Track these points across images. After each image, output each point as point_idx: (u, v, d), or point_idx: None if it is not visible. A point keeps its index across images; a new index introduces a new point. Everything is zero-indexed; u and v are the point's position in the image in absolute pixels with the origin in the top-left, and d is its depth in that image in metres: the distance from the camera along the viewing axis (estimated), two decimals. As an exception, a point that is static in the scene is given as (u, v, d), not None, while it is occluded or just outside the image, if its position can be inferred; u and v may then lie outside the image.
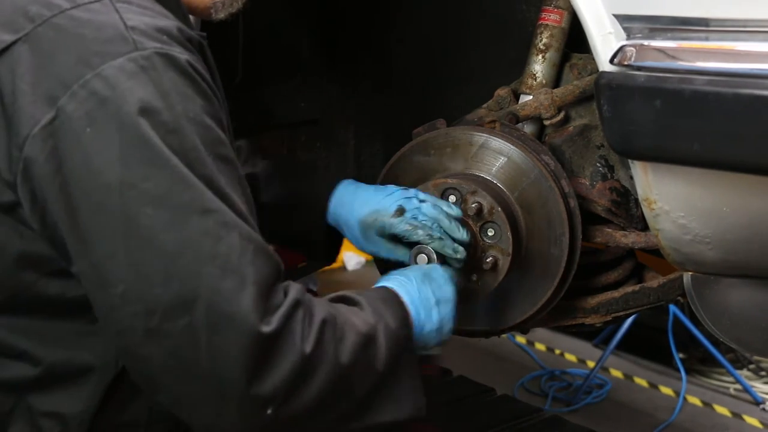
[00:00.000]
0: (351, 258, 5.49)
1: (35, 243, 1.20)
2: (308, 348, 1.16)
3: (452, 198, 1.72)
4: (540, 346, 4.22)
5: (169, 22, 1.22)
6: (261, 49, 2.18)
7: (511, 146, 1.75)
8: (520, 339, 4.18)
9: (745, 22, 1.35)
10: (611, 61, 1.46)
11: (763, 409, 3.67)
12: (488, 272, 1.70)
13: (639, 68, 1.43)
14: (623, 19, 1.46)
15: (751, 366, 3.94)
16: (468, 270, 1.71)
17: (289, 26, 2.20)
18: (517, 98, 1.91)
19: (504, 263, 1.69)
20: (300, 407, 1.16)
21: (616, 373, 3.94)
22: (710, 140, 1.37)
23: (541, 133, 1.90)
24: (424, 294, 1.42)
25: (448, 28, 2.36)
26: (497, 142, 1.75)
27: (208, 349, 1.11)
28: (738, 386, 3.80)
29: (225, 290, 1.12)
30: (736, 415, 3.61)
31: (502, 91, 1.91)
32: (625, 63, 1.44)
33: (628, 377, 3.92)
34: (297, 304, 1.17)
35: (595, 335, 4.15)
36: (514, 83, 1.93)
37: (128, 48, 1.15)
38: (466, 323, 1.85)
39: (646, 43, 1.43)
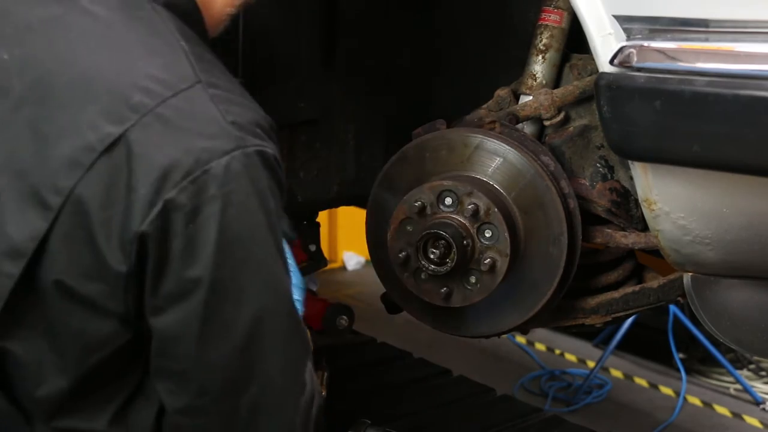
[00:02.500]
0: (351, 258, 5.49)
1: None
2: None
3: (449, 200, 1.71)
4: (540, 346, 4.22)
5: (257, 111, 1.26)
6: (261, 50, 2.17)
7: (507, 147, 1.74)
8: (520, 339, 4.18)
9: (744, 23, 1.35)
10: (611, 62, 1.46)
11: (764, 409, 3.67)
12: (487, 273, 1.70)
13: (639, 69, 1.43)
14: (623, 20, 1.46)
15: (751, 366, 3.94)
16: (466, 272, 1.72)
17: (289, 27, 2.20)
18: (517, 99, 1.91)
19: (502, 264, 1.69)
20: None
21: (616, 373, 3.94)
22: (710, 141, 1.37)
23: (541, 133, 1.90)
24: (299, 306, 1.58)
25: (448, 28, 2.36)
26: (492, 143, 1.75)
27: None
28: (738, 386, 3.80)
29: (285, 391, 1.27)
30: (736, 415, 3.61)
31: (502, 92, 1.91)
32: (625, 64, 1.44)
33: (628, 377, 3.92)
34: (311, 398, 1.31)
35: (595, 335, 4.15)
36: (514, 84, 1.93)
37: (233, 146, 1.17)
38: (466, 325, 1.85)
39: (646, 44, 1.43)
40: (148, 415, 1.28)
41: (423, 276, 1.75)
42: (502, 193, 1.74)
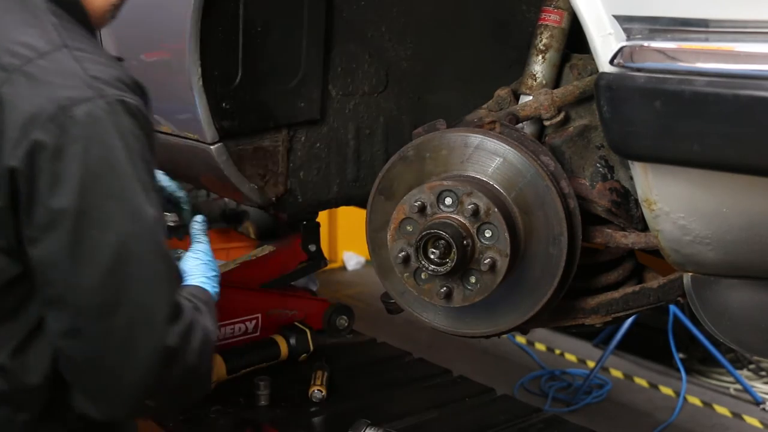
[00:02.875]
0: (351, 258, 5.50)
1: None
2: (193, 361, 1.46)
3: (448, 200, 1.71)
4: (540, 346, 4.22)
5: (119, 69, 1.47)
6: (261, 49, 2.18)
7: (507, 147, 1.74)
8: (520, 339, 4.18)
9: (744, 23, 1.35)
10: (611, 62, 1.46)
11: (763, 409, 3.68)
12: (487, 273, 1.70)
13: (639, 69, 1.42)
14: (623, 20, 1.45)
15: (751, 366, 3.95)
16: (466, 272, 1.72)
17: (289, 26, 2.20)
18: (517, 99, 1.91)
19: (502, 264, 1.69)
20: (173, 401, 1.54)
21: (616, 373, 3.95)
22: (710, 141, 1.37)
23: (541, 133, 1.90)
24: (216, 282, 1.78)
25: (448, 28, 2.36)
26: (492, 143, 1.75)
27: (121, 352, 1.40)
28: (738, 386, 3.80)
29: (148, 305, 1.41)
30: (736, 415, 3.61)
31: (502, 92, 1.91)
32: (625, 64, 1.44)
33: (628, 377, 3.92)
34: (190, 325, 1.46)
35: (595, 335, 4.15)
36: (514, 84, 1.93)
37: (92, 93, 1.37)
38: (467, 325, 1.85)
39: (646, 44, 1.43)
40: (45, 350, 1.44)
41: (423, 276, 1.75)
42: (501, 193, 1.74)
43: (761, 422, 3.56)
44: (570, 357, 4.12)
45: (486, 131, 1.78)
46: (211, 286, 1.73)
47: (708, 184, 1.47)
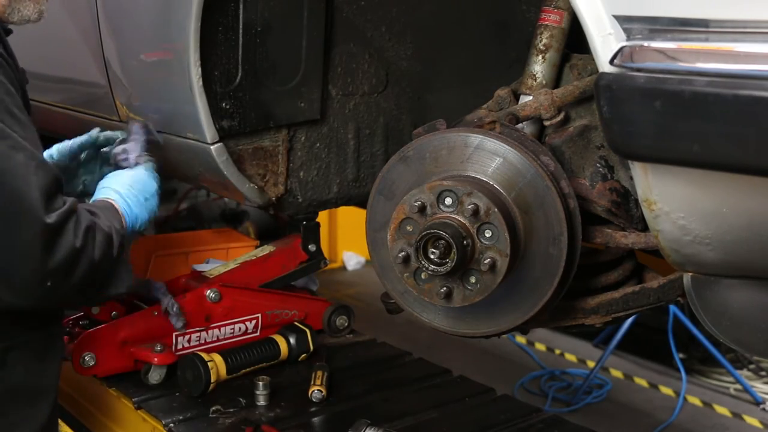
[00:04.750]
0: (351, 258, 5.50)
1: None
2: (78, 243, 1.69)
3: (448, 200, 1.71)
4: (540, 346, 4.22)
5: None
6: (261, 49, 2.18)
7: (507, 147, 1.74)
8: (520, 339, 4.18)
9: (744, 23, 1.34)
10: (611, 62, 1.45)
11: (763, 409, 3.68)
12: (487, 273, 1.70)
13: (639, 69, 1.42)
14: (623, 20, 1.45)
15: (751, 366, 3.95)
16: (466, 272, 1.71)
17: (289, 26, 2.20)
18: (517, 99, 1.90)
19: (502, 264, 1.69)
20: (67, 284, 1.70)
21: (616, 373, 3.95)
22: (710, 141, 1.37)
23: (541, 133, 1.90)
24: (133, 199, 1.99)
25: (448, 28, 2.36)
26: (492, 143, 1.75)
27: (2, 235, 1.62)
28: (738, 386, 3.80)
29: (16, 191, 1.61)
30: (736, 415, 3.61)
31: (502, 92, 1.91)
32: (625, 64, 1.44)
33: (628, 377, 3.92)
34: (71, 211, 1.69)
35: (595, 335, 4.16)
36: (514, 84, 1.93)
37: None
38: (467, 325, 1.85)
39: (646, 44, 1.42)
40: None
41: (423, 276, 1.75)
42: (501, 193, 1.74)
43: (761, 422, 3.56)
44: (570, 357, 4.12)
45: (486, 131, 1.78)
46: (115, 194, 1.93)
47: (708, 185, 1.47)
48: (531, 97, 1.86)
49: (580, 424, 2.56)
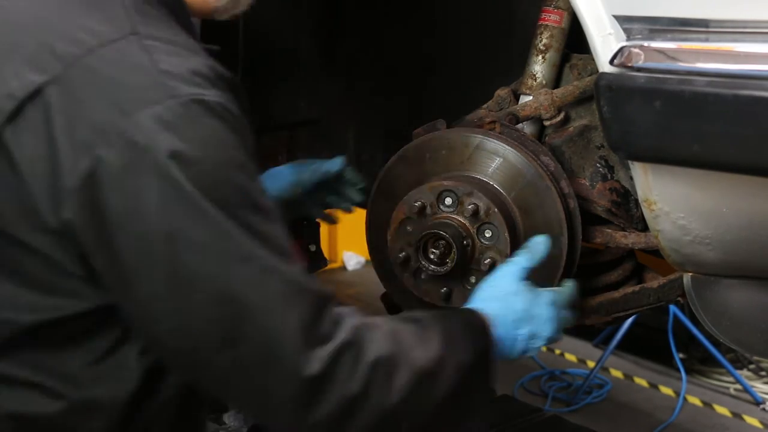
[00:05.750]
0: (351, 258, 5.49)
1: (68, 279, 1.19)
2: (354, 389, 1.18)
3: (449, 200, 1.71)
4: (540, 346, 4.22)
5: (200, 60, 1.19)
6: (261, 49, 2.18)
7: (507, 147, 1.74)
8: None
9: (744, 23, 1.35)
10: (611, 62, 1.46)
11: (764, 409, 3.67)
12: (486, 273, 1.70)
13: (639, 69, 1.42)
14: (623, 20, 1.45)
15: (751, 366, 3.94)
16: (466, 272, 1.71)
17: (289, 26, 2.20)
18: (517, 99, 1.90)
19: (502, 264, 1.69)
20: None
21: (616, 373, 3.94)
22: (710, 141, 1.37)
23: (541, 133, 1.90)
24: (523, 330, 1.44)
25: (448, 28, 2.36)
26: (492, 143, 1.75)
27: (255, 385, 1.17)
28: (738, 386, 3.80)
29: (268, 334, 1.15)
30: (736, 415, 3.61)
31: (502, 92, 1.91)
32: (625, 64, 1.44)
33: (628, 377, 3.92)
34: (346, 345, 1.19)
35: (595, 335, 4.15)
36: (514, 84, 1.93)
37: (163, 95, 1.12)
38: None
39: (646, 44, 1.43)
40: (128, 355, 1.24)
41: (423, 276, 1.75)
42: (501, 193, 1.74)
43: (761, 422, 3.56)
44: (570, 357, 4.12)
45: (486, 131, 1.78)
46: (490, 308, 1.40)
47: (708, 185, 1.47)
48: (531, 97, 1.86)
49: (580, 424, 2.57)
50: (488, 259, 1.69)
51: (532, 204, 1.73)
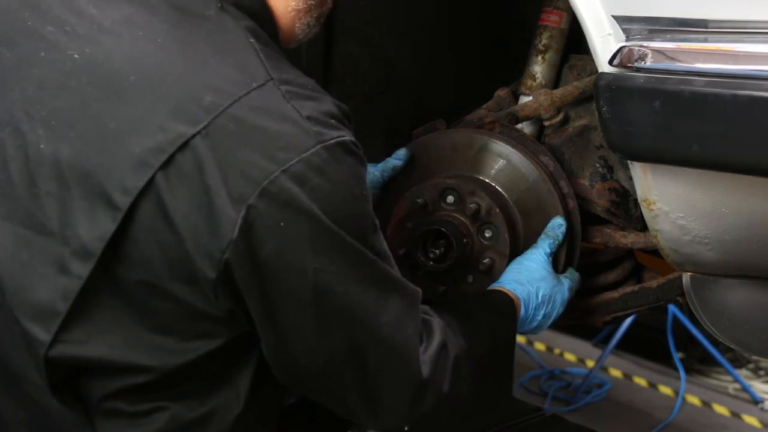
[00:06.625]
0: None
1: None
2: (446, 387, 1.34)
3: (450, 198, 1.71)
4: (539, 346, 4.22)
5: (328, 100, 1.24)
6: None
7: (511, 149, 1.75)
8: (520, 339, 4.18)
9: (744, 24, 1.35)
10: (610, 62, 1.46)
11: (762, 408, 3.68)
12: (484, 273, 1.70)
13: (638, 69, 1.43)
14: (622, 21, 1.46)
15: (750, 365, 3.95)
16: (464, 271, 1.72)
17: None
18: (517, 99, 1.91)
19: (500, 265, 1.69)
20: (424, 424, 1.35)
21: (616, 373, 3.95)
22: (709, 141, 1.37)
23: (540, 133, 1.90)
24: (542, 310, 1.63)
25: (448, 28, 2.36)
26: (497, 145, 1.76)
27: (375, 391, 1.29)
28: (737, 386, 3.81)
29: (398, 345, 1.28)
30: (735, 415, 3.61)
31: (501, 92, 1.91)
32: (625, 64, 1.44)
33: (628, 377, 3.93)
34: (440, 346, 1.34)
35: (595, 335, 4.15)
36: (513, 84, 1.93)
37: (312, 142, 1.15)
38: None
39: (645, 44, 1.43)
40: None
41: (420, 273, 1.74)
42: (503, 194, 1.75)
43: (760, 421, 3.56)
44: (569, 356, 4.12)
45: (491, 132, 1.78)
46: (519, 288, 1.58)
47: (707, 184, 1.47)
48: (530, 98, 1.86)
49: (579, 424, 2.57)
50: (487, 259, 1.69)
51: (533, 207, 1.74)
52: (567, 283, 1.69)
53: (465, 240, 1.69)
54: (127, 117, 1.17)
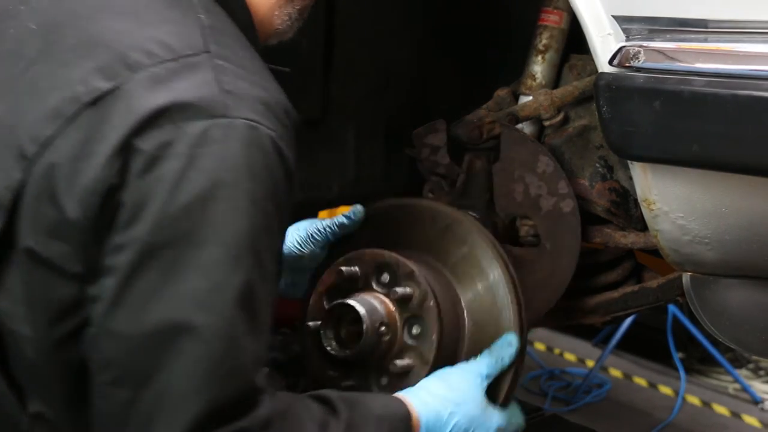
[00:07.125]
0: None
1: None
2: None
3: (386, 276, 1.45)
4: (540, 346, 4.22)
5: (272, 93, 1.20)
6: (260, 50, 2.18)
7: (477, 236, 1.52)
8: (520, 338, 4.17)
9: (743, 24, 1.35)
10: (610, 62, 1.46)
11: (762, 408, 3.68)
12: (398, 378, 1.40)
13: (638, 69, 1.43)
14: (622, 21, 1.46)
15: (750, 365, 3.95)
16: (377, 369, 1.43)
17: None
18: (517, 99, 1.91)
19: (419, 372, 1.39)
20: None
21: (616, 373, 3.95)
22: (709, 141, 1.37)
23: (540, 133, 1.90)
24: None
25: (448, 28, 2.36)
26: (462, 228, 1.52)
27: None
28: (737, 386, 3.81)
29: (175, 392, 1.08)
30: (735, 415, 3.61)
31: (501, 92, 1.91)
32: (625, 64, 1.44)
33: (628, 377, 3.93)
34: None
35: (595, 335, 4.16)
36: (513, 84, 1.93)
37: (218, 112, 1.11)
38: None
39: (645, 44, 1.43)
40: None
41: (327, 358, 1.45)
42: (455, 290, 1.49)
43: (760, 421, 3.56)
44: (569, 356, 4.13)
45: (462, 212, 1.60)
46: (422, 406, 1.30)
47: (707, 184, 1.47)
48: (530, 98, 1.86)
49: (579, 424, 2.57)
50: (406, 361, 1.39)
51: (485, 314, 1.48)
52: (497, 420, 1.39)
53: (383, 329, 1.41)
54: (57, 75, 1.18)
